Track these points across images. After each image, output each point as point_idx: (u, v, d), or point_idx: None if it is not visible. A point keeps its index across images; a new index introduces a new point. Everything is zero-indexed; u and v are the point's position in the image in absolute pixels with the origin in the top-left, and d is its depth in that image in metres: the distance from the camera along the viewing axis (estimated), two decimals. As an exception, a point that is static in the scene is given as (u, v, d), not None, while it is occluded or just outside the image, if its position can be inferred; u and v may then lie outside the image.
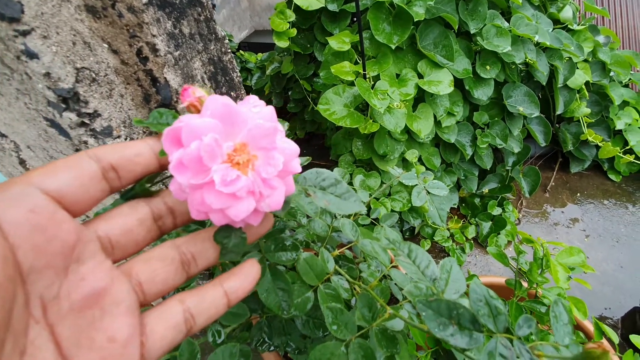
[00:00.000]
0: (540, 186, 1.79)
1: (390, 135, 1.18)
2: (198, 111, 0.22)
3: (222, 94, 0.75)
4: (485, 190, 1.62)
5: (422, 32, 1.14)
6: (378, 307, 0.33)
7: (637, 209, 1.65)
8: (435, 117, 1.19)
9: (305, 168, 0.26)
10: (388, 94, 1.06)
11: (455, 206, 1.56)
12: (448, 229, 1.58)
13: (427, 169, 1.38)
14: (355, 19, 1.32)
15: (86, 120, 0.39)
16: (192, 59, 0.52)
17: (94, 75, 0.37)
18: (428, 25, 1.14)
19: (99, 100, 0.39)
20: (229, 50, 0.62)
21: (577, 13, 1.67)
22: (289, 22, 1.46)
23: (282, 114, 2.39)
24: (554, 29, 1.45)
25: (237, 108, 0.20)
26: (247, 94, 2.09)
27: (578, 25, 1.55)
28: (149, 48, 0.43)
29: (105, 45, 0.39)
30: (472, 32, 1.17)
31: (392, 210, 1.31)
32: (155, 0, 0.43)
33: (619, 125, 1.61)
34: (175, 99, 0.50)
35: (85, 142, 0.41)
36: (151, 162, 0.20)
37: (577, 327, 0.80)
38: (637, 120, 1.67)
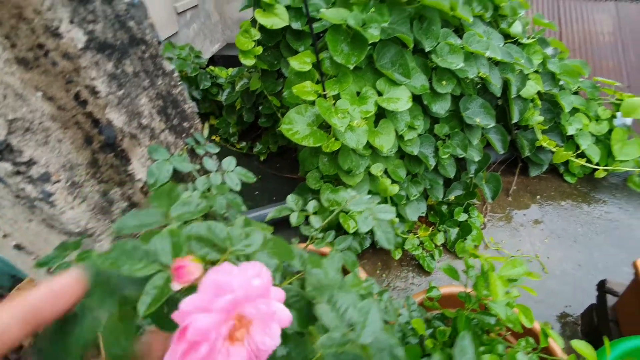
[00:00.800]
0: (502, 190, 1.87)
1: (354, 151, 1.21)
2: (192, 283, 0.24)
3: (173, 126, 0.76)
4: (452, 197, 1.68)
5: (379, 51, 1.19)
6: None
7: (592, 208, 1.75)
8: (396, 131, 1.24)
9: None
10: (349, 112, 1.10)
11: (424, 214, 1.61)
12: (418, 237, 1.62)
13: (393, 181, 1.42)
14: (320, 35, 1.35)
15: (22, 169, 0.39)
16: (137, 97, 0.52)
17: (27, 125, 0.37)
18: (384, 45, 1.19)
19: (34, 148, 0.39)
20: (179, 83, 0.63)
21: (527, 27, 1.77)
22: (255, 41, 1.48)
23: (254, 129, 2.40)
24: (505, 43, 1.54)
25: (236, 284, 0.21)
26: (219, 109, 2.07)
27: (528, 38, 1.65)
28: (87, 91, 0.44)
29: (39, 94, 0.39)
30: (426, 50, 1.23)
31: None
32: (93, 44, 0.44)
33: (570, 130, 1.72)
34: (120, 137, 0.50)
35: (23, 189, 0.41)
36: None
37: (528, 332, 0.84)
38: (587, 125, 1.78)
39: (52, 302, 0.20)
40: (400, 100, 1.16)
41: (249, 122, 2.22)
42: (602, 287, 1.25)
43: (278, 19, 1.41)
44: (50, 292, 0.20)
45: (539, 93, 1.66)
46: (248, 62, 1.54)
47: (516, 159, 1.98)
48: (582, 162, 1.69)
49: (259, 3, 1.42)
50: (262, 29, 1.51)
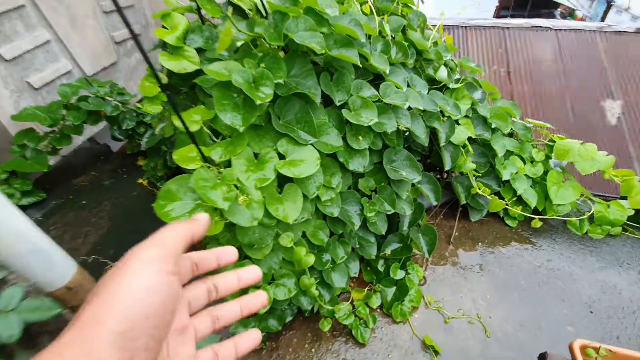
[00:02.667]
0: (444, 237, 1.76)
1: (259, 221, 1.04)
2: None
3: None
4: (388, 251, 1.54)
5: (281, 108, 1.05)
6: None
7: (533, 256, 1.67)
8: (308, 195, 1.08)
9: None
10: (241, 182, 0.93)
11: (356, 275, 1.45)
12: (351, 302, 1.45)
13: (311, 245, 1.25)
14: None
15: None
16: None
17: None
18: (287, 100, 1.05)
19: None
20: None
21: (457, 69, 1.73)
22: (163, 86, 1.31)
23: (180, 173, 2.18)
24: (430, 89, 1.47)
25: None
26: (142, 151, 1.83)
27: (456, 83, 1.59)
28: None
29: None
30: (337, 104, 1.11)
31: (275, 300, 1.15)
32: None
33: (505, 175, 1.66)
34: None
35: None
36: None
37: None
38: (522, 168, 1.73)
39: (194, 230, 0.33)
40: (305, 162, 1.02)
41: (173, 167, 2.02)
42: (542, 361, 1.12)
43: (188, 62, 1.25)
44: (193, 224, 0.34)
45: (470, 138, 1.59)
46: (154, 108, 1.36)
47: (457, 201, 1.89)
48: (519, 209, 1.61)
49: (165, 45, 1.26)
50: (172, 73, 1.35)
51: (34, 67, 2.01)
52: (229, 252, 0.37)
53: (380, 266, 1.54)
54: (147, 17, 2.99)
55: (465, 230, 1.81)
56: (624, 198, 1.71)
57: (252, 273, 0.39)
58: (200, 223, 0.34)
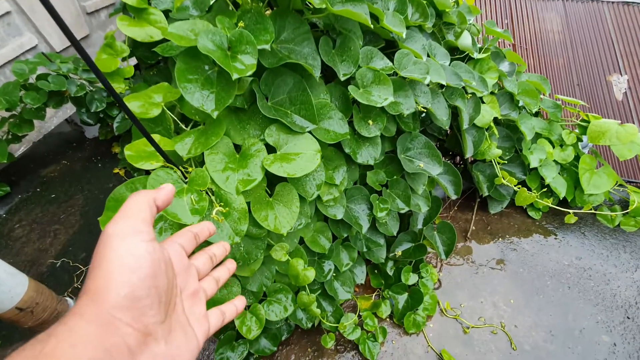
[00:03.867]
0: (460, 232, 1.56)
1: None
2: None
3: None
4: (399, 252, 1.33)
5: (268, 84, 0.80)
6: None
7: (561, 253, 1.48)
8: (307, 197, 0.85)
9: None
10: (216, 185, 0.70)
11: (363, 282, 1.25)
12: (357, 313, 1.26)
13: (311, 253, 1.04)
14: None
15: None
16: None
17: None
18: (277, 74, 0.80)
19: None
20: None
21: (478, 36, 1.47)
22: (125, 58, 1.05)
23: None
24: (452, 60, 1.21)
25: None
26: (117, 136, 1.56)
27: (480, 52, 1.33)
28: None
29: None
30: (341, 79, 0.86)
31: (267, 320, 0.95)
32: None
33: (534, 162, 1.43)
34: None
35: None
36: None
37: None
38: (551, 154, 1.51)
39: (157, 197, 0.33)
40: (301, 156, 0.78)
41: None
42: (587, 388, 0.94)
43: (154, 29, 0.98)
44: (156, 192, 0.34)
45: (495, 119, 1.36)
46: (117, 86, 1.10)
47: (475, 190, 1.68)
48: (549, 202, 1.40)
49: (126, 8, 0.99)
50: (138, 43, 1.08)
51: (-6, 42, 1.72)
52: (211, 226, 0.43)
53: (390, 269, 1.34)
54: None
55: (483, 224, 1.60)
56: (664, 185, 1.51)
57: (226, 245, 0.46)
58: (164, 191, 0.34)
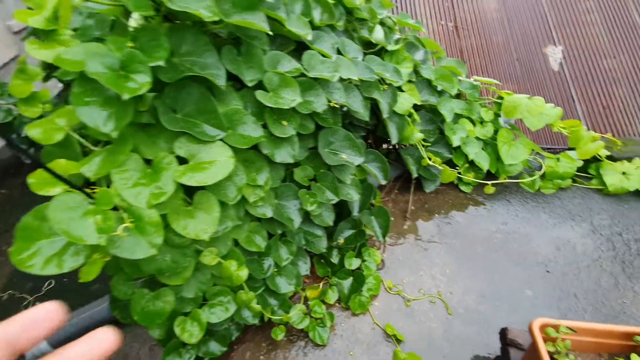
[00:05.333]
0: (400, 213, 1.66)
1: (167, 242, 0.84)
2: None
3: None
4: (341, 240, 1.41)
5: (174, 98, 0.82)
6: None
7: (489, 222, 1.62)
8: (227, 201, 0.89)
9: None
10: (126, 202, 0.72)
11: (308, 273, 1.31)
12: (305, 302, 1.33)
13: (248, 253, 1.08)
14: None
15: None
16: None
17: None
18: (181, 87, 0.83)
19: None
20: None
21: (395, 27, 1.55)
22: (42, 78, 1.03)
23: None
24: (366, 54, 1.28)
25: None
26: None
27: (394, 44, 1.41)
28: None
29: None
30: (248, 85, 0.90)
31: (207, 323, 0.98)
32: None
33: (455, 141, 1.55)
34: None
35: None
36: None
37: None
38: (472, 132, 1.63)
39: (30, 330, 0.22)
40: (215, 164, 0.82)
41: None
42: (505, 339, 1.07)
43: (78, 46, 0.96)
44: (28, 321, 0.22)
45: (415, 105, 1.45)
46: (32, 112, 1.08)
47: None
48: (471, 176, 1.53)
49: (35, 31, 0.96)
50: (47, 64, 1.06)
51: None
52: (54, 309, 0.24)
53: (335, 257, 1.41)
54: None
55: (421, 203, 1.72)
56: (572, 149, 1.68)
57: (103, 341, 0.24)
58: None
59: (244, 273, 0.95)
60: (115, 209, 0.71)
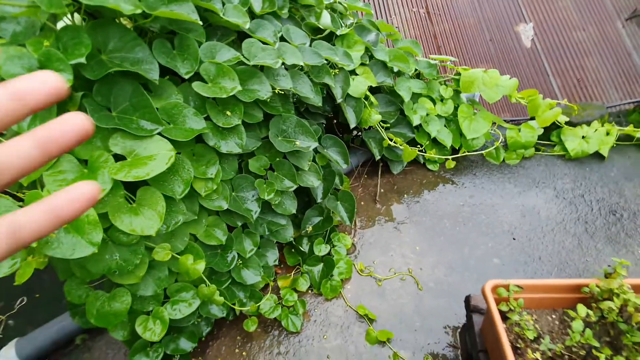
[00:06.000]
0: (370, 197, 1.68)
1: (113, 241, 0.84)
2: None
3: None
4: (309, 228, 1.42)
5: (105, 95, 0.81)
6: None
7: (456, 196, 1.64)
8: (175, 195, 0.89)
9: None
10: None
11: (277, 263, 1.32)
12: (277, 292, 1.33)
13: (209, 247, 1.08)
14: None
15: None
16: None
17: None
18: (112, 84, 0.82)
19: None
20: None
21: (347, 12, 1.55)
22: None
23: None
24: (314, 39, 1.28)
25: None
26: None
27: (344, 28, 1.42)
28: None
29: None
30: (185, 77, 0.89)
31: (172, 320, 0.98)
32: None
33: (416, 120, 1.57)
34: None
35: None
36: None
37: None
38: (432, 110, 1.65)
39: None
40: (155, 158, 0.81)
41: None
42: (469, 306, 1.09)
43: None
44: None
45: (372, 88, 1.46)
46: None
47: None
48: (432, 152, 1.55)
49: None
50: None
51: None
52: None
53: (305, 245, 1.42)
54: None
55: (390, 185, 1.73)
56: (533, 119, 1.71)
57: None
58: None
59: (200, 266, 0.95)
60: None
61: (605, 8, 4.91)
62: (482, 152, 1.66)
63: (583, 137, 1.69)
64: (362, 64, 1.45)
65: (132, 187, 0.86)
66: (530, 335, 0.83)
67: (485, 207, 1.58)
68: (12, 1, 0.72)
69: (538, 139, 1.76)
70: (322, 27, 1.34)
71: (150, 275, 0.94)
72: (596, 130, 1.69)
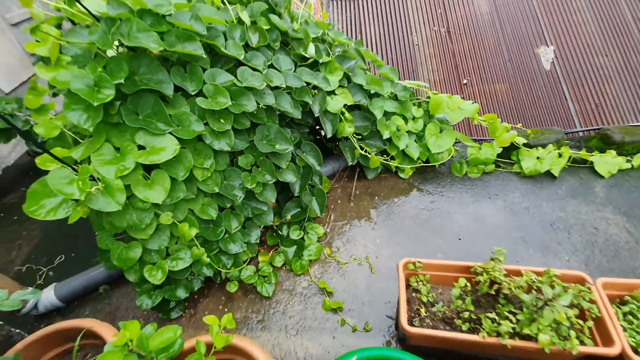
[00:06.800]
0: (346, 197, 1.97)
1: (132, 206, 1.19)
2: None
3: None
4: (288, 216, 1.73)
5: (135, 104, 1.18)
6: None
7: (419, 201, 1.91)
8: (177, 177, 1.24)
9: None
10: (99, 174, 1.07)
11: (258, 241, 1.64)
12: (256, 265, 1.65)
13: (203, 221, 1.42)
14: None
15: None
16: None
17: None
18: (140, 97, 1.18)
19: None
20: None
21: (334, 43, 1.88)
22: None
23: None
24: (300, 66, 1.62)
25: None
26: None
27: (325, 57, 1.74)
28: None
29: None
30: (192, 94, 1.25)
31: (171, 272, 1.33)
32: None
33: (386, 135, 1.86)
34: None
35: None
36: None
37: None
38: (403, 126, 1.93)
39: None
40: (165, 149, 1.17)
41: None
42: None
43: (66, 71, 1.34)
44: None
45: (352, 106, 1.77)
46: (41, 120, 1.45)
47: (357, 165, 2.10)
48: (405, 164, 1.83)
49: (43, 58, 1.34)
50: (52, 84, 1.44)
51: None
52: None
53: (284, 230, 1.73)
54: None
55: (365, 188, 2.02)
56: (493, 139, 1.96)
57: None
58: None
59: (193, 232, 1.29)
60: (92, 178, 1.07)
61: (630, 35, 4.97)
62: (435, 164, 1.93)
63: (538, 157, 1.92)
64: (341, 86, 1.77)
65: (148, 169, 1.21)
66: (424, 299, 1.10)
67: (442, 212, 1.84)
68: (79, 41, 1.10)
69: (501, 158, 2.00)
70: (308, 56, 1.67)
71: (156, 235, 1.29)
72: (550, 152, 1.91)
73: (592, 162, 1.92)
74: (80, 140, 1.16)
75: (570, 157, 1.92)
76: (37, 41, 1.29)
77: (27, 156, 2.74)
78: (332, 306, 1.48)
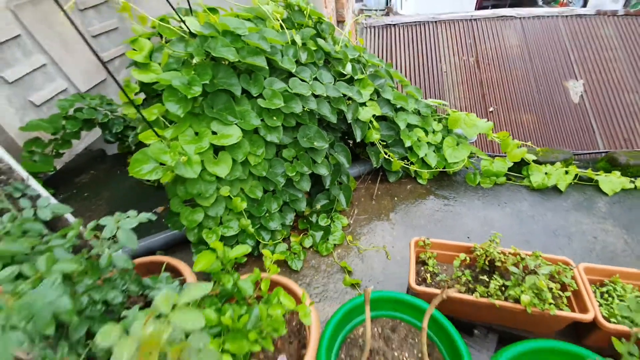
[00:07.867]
0: (368, 196, 2.24)
1: (201, 178, 1.52)
2: None
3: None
4: (318, 206, 2.02)
5: (212, 100, 1.53)
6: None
7: (435, 203, 2.15)
8: (235, 160, 1.56)
9: None
10: (184, 150, 1.42)
11: (292, 224, 1.93)
12: (289, 243, 1.93)
13: (250, 199, 1.74)
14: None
15: None
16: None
17: None
18: (217, 95, 1.53)
19: None
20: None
21: (367, 64, 2.21)
22: (136, 93, 1.80)
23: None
24: (338, 80, 1.95)
25: None
26: (131, 151, 2.34)
27: (360, 75, 2.06)
28: None
29: None
30: (254, 95, 1.59)
31: (222, 237, 1.63)
32: None
33: (407, 143, 2.13)
34: None
35: None
36: None
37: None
38: (424, 137, 2.21)
39: None
40: (231, 136, 1.50)
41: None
42: (411, 264, 1.59)
43: (154, 74, 1.73)
44: None
45: (380, 116, 2.07)
46: (131, 111, 1.84)
47: (380, 169, 2.37)
48: (417, 167, 2.09)
49: (136, 63, 1.75)
50: (143, 83, 1.83)
51: (34, 87, 2.46)
52: None
53: (314, 218, 2.02)
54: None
55: (386, 190, 2.29)
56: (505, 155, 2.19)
57: None
58: None
59: (243, 204, 1.60)
60: (179, 153, 1.41)
61: (662, 73, 5.05)
62: (450, 173, 2.16)
63: (546, 173, 2.12)
64: (371, 99, 2.08)
65: (216, 152, 1.55)
66: (431, 269, 1.34)
67: (454, 214, 2.06)
68: (179, 50, 1.48)
69: (513, 172, 2.22)
70: (345, 73, 2.00)
71: (215, 204, 1.61)
72: (557, 169, 2.11)
73: (597, 181, 2.09)
74: (168, 125, 1.52)
75: (576, 174, 2.11)
76: (134, 50, 1.69)
77: (93, 146, 3.20)
78: (352, 282, 1.73)
